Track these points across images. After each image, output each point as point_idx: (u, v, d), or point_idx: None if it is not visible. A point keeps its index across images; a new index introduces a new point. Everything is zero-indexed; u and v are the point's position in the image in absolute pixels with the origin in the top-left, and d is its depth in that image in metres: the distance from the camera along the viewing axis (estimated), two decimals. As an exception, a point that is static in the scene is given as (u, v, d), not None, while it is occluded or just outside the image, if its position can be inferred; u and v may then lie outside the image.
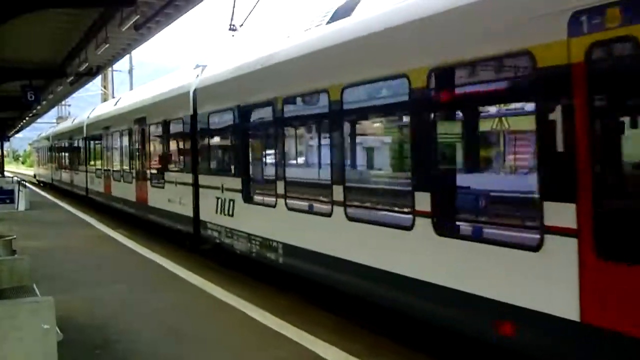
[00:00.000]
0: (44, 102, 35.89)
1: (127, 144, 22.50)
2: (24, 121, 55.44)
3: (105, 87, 54.58)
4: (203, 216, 14.86)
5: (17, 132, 76.37)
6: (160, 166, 18.67)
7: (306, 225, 10.29)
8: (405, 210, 8.02)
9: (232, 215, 13.09)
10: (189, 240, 16.18)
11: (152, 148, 19.78)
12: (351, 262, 8.99)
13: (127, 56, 44.50)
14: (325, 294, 10.39)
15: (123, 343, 7.79)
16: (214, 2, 26.85)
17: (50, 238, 17.28)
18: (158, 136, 19.00)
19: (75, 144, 34.44)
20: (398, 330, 9.06)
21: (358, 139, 10.01)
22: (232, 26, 17.31)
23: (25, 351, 5.94)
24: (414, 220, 7.67)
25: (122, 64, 57.08)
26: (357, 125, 10.03)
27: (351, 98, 9.22)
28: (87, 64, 22.10)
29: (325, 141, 10.08)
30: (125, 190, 22.41)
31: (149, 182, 19.53)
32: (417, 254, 7.68)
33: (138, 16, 15.08)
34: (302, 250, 10.32)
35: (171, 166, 17.74)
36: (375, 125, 10.17)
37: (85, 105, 44.76)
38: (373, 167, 10.19)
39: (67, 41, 19.92)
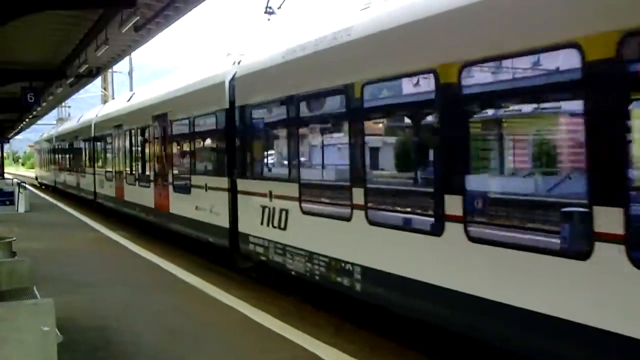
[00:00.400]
0: (44, 104, 35.88)
1: (145, 144, 20.38)
2: (24, 123, 55.42)
3: (105, 89, 54.63)
4: (243, 228, 12.55)
5: (17, 133, 76.37)
6: (185, 168, 16.50)
7: (399, 246, 8.03)
8: (572, 231, 5.86)
9: (285, 228, 10.83)
10: (225, 255, 14.08)
11: (174, 148, 17.47)
12: (478, 298, 6.69)
13: (127, 58, 44.49)
14: (324, 296, 10.36)
15: (124, 345, 7.76)
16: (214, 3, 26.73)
17: (51, 240, 17.25)
18: (182, 134, 16.70)
19: (83, 145, 32.53)
20: (398, 331, 9.04)
21: (480, 134, 7.55)
22: (268, 9, 15.82)
23: (25, 353, 5.92)
24: (591, 246, 5.45)
25: (122, 66, 57.05)
26: (480, 115, 7.57)
27: (474, 80, 7.05)
28: (87, 66, 22.08)
29: (429, 136, 8.11)
30: (141, 196, 20.29)
31: (170, 187, 17.26)
32: (599, 292, 5.47)
33: (138, 18, 15.07)
34: (393, 277, 8.07)
35: (199, 168, 15.49)
36: (509, 113, 7.34)
37: (86, 106, 44.70)
38: (511, 169, 7.31)
39: (67, 43, 19.92)
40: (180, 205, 16.48)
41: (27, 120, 51.33)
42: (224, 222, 13.36)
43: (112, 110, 26.98)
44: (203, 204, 14.57)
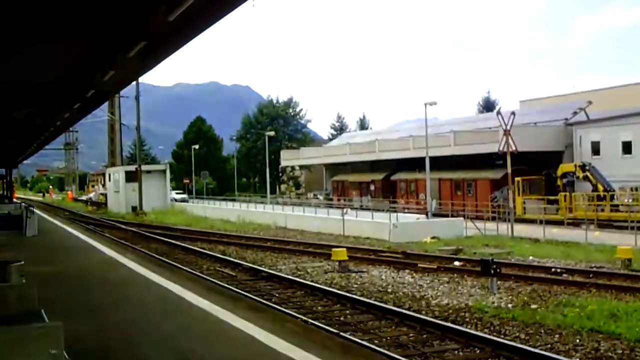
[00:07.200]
0: (52, 129, 36.11)
1: None
2: (32, 148, 55.73)
3: (112, 113, 55.02)
4: None
5: (25, 159, 76.79)
6: None
7: None
8: None
9: None
10: None
11: None
12: None
13: (134, 82, 44.90)
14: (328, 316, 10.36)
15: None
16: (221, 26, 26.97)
17: (59, 263, 17.28)
18: None
19: None
20: (403, 351, 9.03)
21: None
22: None
23: (33, 376, 5.95)
24: None
25: (128, 90, 57.47)
26: None
27: None
28: (93, 91, 22.27)
29: None
30: None
31: None
32: None
33: (145, 42, 15.22)
34: None
35: None
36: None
37: (93, 131, 44.92)
38: None
39: (74, 68, 20.11)
40: None
41: (34, 145, 51.64)
42: None
43: None
44: None
